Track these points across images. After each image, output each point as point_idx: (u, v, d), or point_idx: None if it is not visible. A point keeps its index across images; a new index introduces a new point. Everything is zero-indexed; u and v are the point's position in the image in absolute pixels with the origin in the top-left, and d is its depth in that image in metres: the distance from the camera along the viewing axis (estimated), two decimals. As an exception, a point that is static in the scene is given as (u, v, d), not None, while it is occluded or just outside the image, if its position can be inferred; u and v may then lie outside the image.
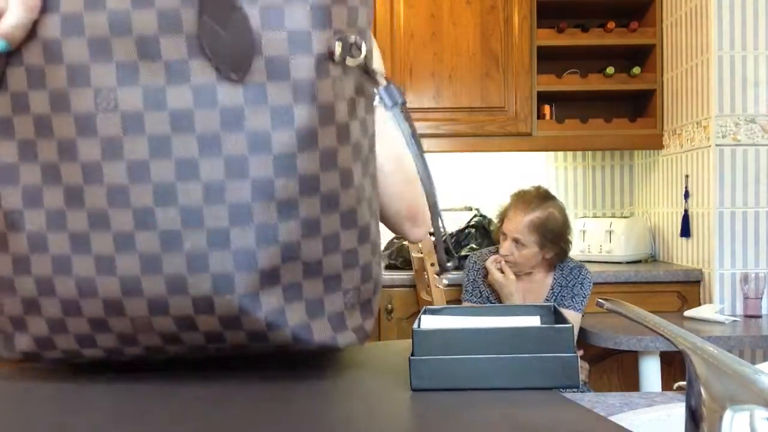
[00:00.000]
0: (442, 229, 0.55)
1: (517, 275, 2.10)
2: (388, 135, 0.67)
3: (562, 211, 2.10)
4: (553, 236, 2.04)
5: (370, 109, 0.56)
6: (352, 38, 0.49)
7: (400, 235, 0.81)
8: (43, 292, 0.50)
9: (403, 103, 0.52)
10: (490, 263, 2.08)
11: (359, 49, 0.49)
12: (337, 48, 0.48)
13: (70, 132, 0.47)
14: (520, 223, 2.04)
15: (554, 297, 2.12)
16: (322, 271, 0.53)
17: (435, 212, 0.55)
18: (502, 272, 2.08)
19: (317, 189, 0.50)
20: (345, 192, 0.52)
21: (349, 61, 0.49)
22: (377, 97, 0.54)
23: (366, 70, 0.52)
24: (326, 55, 0.48)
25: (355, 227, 0.54)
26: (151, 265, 0.48)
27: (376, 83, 0.52)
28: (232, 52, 0.46)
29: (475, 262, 2.23)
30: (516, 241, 2.06)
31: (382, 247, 2.75)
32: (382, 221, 0.78)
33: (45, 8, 0.46)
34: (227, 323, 0.51)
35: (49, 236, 0.49)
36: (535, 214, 2.04)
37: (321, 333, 0.54)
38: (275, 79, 0.46)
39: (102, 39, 0.46)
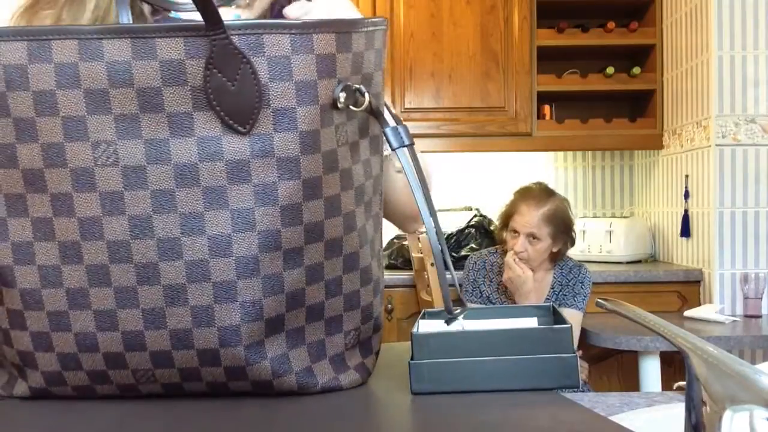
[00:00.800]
0: (449, 276, 0.54)
1: None
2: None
3: (566, 202, 2.15)
4: (565, 227, 2.09)
5: (376, 149, 0.55)
6: (357, 85, 0.49)
7: (399, 228, 0.86)
8: (39, 347, 0.49)
9: (411, 144, 0.51)
10: (511, 259, 2.06)
11: (363, 95, 0.49)
12: (341, 96, 0.48)
13: (65, 186, 0.45)
14: (535, 217, 2.07)
15: (555, 295, 2.13)
16: (324, 314, 0.53)
17: (440, 264, 0.53)
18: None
19: (321, 236, 0.50)
20: (348, 236, 0.52)
21: (354, 107, 0.49)
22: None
23: (372, 112, 0.51)
24: (331, 103, 0.48)
25: (356, 270, 0.54)
26: (154, 319, 0.48)
27: (382, 124, 0.52)
28: (240, 104, 0.45)
29: (475, 262, 2.23)
30: (531, 236, 2.07)
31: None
32: (386, 217, 0.81)
33: (34, 58, 0.43)
34: (232, 373, 0.50)
35: (44, 292, 0.47)
36: (547, 207, 2.08)
37: (324, 375, 0.54)
38: (282, 130, 0.46)
39: (100, 91, 0.44)
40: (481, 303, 2.21)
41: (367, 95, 0.49)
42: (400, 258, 2.67)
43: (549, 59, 2.85)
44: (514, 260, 2.07)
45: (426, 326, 0.60)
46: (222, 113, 0.45)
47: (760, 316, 2.34)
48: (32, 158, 0.45)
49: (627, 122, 2.82)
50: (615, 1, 2.81)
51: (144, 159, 0.45)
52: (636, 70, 2.79)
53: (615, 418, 0.56)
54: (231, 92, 0.44)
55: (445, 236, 2.71)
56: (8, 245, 0.47)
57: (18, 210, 0.47)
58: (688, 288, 2.54)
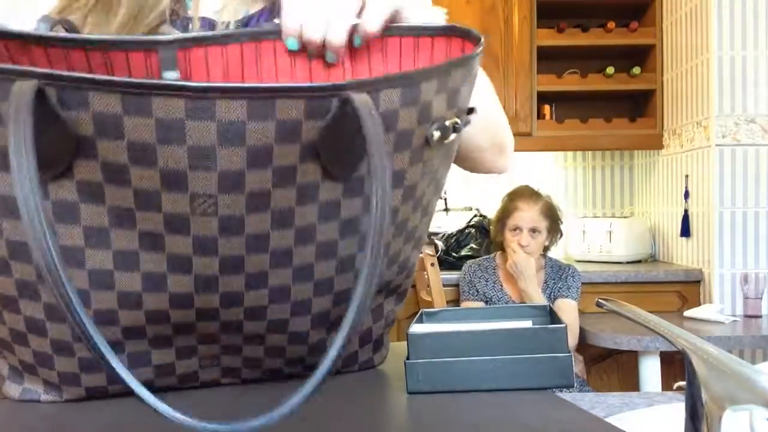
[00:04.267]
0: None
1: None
2: None
3: (551, 199, 2.36)
4: (557, 219, 2.30)
5: (448, 160, 0.56)
6: (452, 120, 0.49)
7: (486, 172, 0.79)
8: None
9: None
10: (516, 245, 2.22)
11: (456, 130, 0.49)
12: (435, 135, 0.48)
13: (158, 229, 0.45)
14: (536, 212, 2.24)
15: (549, 289, 2.24)
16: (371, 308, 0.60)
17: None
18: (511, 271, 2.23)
19: (388, 252, 0.53)
20: (406, 247, 0.56)
21: (444, 140, 0.49)
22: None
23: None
24: (423, 143, 0.48)
25: (407, 269, 0.59)
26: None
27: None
28: (346, 156, 0.45)
29: (470, 265, 2.37)
30: (532, 230, 2.23)
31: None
32: (464, 163, 0.76)
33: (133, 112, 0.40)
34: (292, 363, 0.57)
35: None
36: (542, 202, 2.27)
37: (364, 355, 0.61)
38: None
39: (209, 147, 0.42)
40: (478, 301, 2.30)
41: (461, 128, 0.49)
42: (399, 258, 2.67)
43: (549, 59, 2.85)
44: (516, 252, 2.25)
45: (422, 326, 0.61)
46: (328, 165, 0.45)
47: (760, 316, 2.34)
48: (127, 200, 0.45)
49: (627, 122, 2.82)
50: (615, 1, 2.81)
51: (244, 209, 0.45)
52: (636, 70, 2.79)
53: (615, 418, 0.56)
54: (339, 149, 0.44)
55: (445, 236, 2.71)
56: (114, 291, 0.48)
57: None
58: (688, 288, 2.54)
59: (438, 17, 0.64)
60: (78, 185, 0.43)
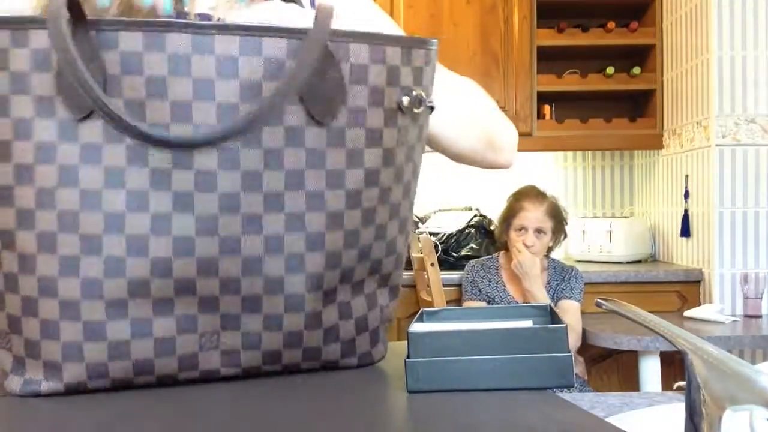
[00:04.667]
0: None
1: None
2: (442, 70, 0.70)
3: (556, 199, 2.35)
4: (562, 220, 2.30)
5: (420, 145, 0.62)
6: (418, 92, 0.56)
7: (490, 168, 0.83)
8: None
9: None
10: (521, 245, 2.22)
11: (423, 103, 0.56)
12: (405, 100, 0.55)
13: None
14: (541, 212, 2.24)
15: (551, 291, 2.24)
16: (364, 289, 0.61)
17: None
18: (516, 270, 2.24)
19: (373, 221, 0.57)
20: (390, 222, 0.60)
21: (416, 111, 0.56)
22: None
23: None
24: (396, 107, 0.55)
25: (394, 253, 0.62)
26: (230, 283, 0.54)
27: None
28: (325, 101, 0.52)
29: (473, 265, 2.37)
30: (538, 230, 2.23)
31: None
32: (464, 160, 0.79)
33: (149, 47, 0.50)
34: (290, 339, 0.57)
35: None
36: (547, 203, 2.27)
37: (361, 348, 0.61)
38: (353, 126, 0.54)
39: (208, 79, 0.51)
40: (480, 300, 2.31)
41: (426, 102, 0.57)
42: (400, 258, 2.67)
43: (549, 59, 2.85)
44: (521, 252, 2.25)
45: (423, 325, 0.61)
46: (308, 108, 0.52)
47: (760, 316, 2.34)
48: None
49: (627, 122, 2.82)
50: (615, 1, 2.81)
51: (240, 144, 0.52)
52: (636, 70, 2.79)
53: (615, 418, 0.56)
54: (319, 92, 0.52)
55: (445, 236, 2.71)
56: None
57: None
58: (688, 288, 2.54)
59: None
60: (104, 126, 0.49)
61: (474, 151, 0.77)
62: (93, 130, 0.49)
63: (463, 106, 0.75)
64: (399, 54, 0.55)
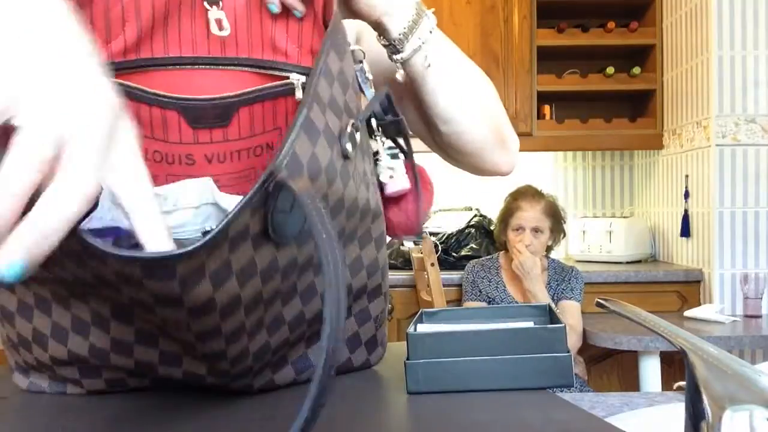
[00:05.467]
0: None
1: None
2: (446, 49, 0.67)
3: (554, 198, 2.36)
4: (560, 218, 2.30)
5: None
6: (351, 128, 0.49)
7: (491, 172, 0.78)
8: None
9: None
10: (521, 245, 2.22)
11: (356, 134, 0.49)
12: (349, 147, 0.48)
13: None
14: (538, 211, 2.25)
15: (552, 291, 2.24)
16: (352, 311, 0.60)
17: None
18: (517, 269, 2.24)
19: (345, 261, 0.54)
20: (366, 250, 0.56)
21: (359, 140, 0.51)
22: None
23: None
24: (343, 157, 0.48)
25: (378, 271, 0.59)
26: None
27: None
28: (297, 234, 0.45)
29: (473, 265, 2.37)
30: (535, 229, 2.24)
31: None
32: (469, 158, 0.75)
33: None
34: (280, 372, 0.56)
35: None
36: (544, 202, 2.28)
37: (358, 358, 0.61)
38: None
39: None
40: (480, 301, 2.31)
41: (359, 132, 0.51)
42: (400, 258, 2.67)
43: (549, 59, 2.85)
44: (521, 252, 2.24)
45: (422, 326, 0.60)
46: (278, 242, 0.45)
47: (760, 316, 2.34)
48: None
49: (627, 122, 2.82)
50: (615, 1, 2.81)
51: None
52: (636, 70, 2.79)
53: (615, 418, 0.56)
54: (288, 230, 0.44)
55: (445, 236, 2.71)
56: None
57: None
58: (688, 288, 2.54)
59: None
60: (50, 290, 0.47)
61: (485, 141, 0.73)
62: None
63: (478, 91, 0.71)
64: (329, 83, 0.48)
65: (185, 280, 0.38)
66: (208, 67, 0.50)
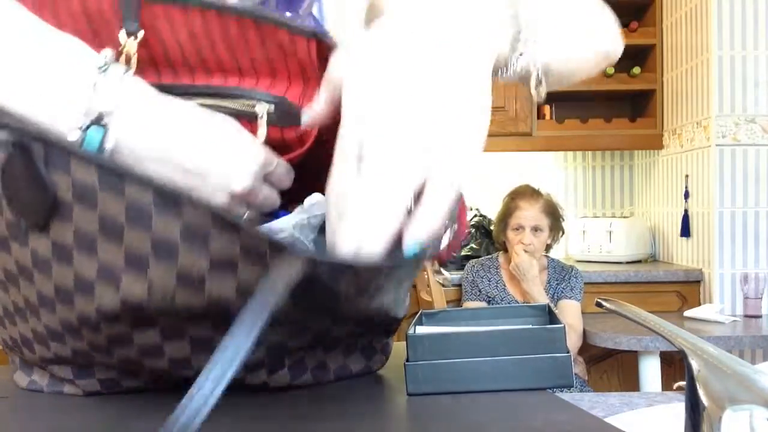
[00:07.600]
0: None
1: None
2: None
3: (552, 197, 2.38)
4: (558, 216, 2.31)
5: None
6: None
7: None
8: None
9: None
10: (520, 247, 2.23)
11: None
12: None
13: None
14: (537, 210, 2.26)
15: (551, 291, 2.24)
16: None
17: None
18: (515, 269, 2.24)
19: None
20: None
21: None
22: None
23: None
24: None
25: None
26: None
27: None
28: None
29: (473, 265, 2.37)
30: (535, 228, 2.25)
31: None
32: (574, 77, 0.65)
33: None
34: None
35: None
36: (543, 201, 2.29)
37: (356, 365, 0.59)
38: None
39: None
40: (480, 301, 2.32)
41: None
42: (399, 258, 2.67)
43: (549, 59, 2.85)
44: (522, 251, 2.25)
45: (421, 328, 0.60)
46: None
47: (760, 316, 2.34)
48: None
49: (627, 122, 2.82)
50: (615, 1, 2.80)
51: None
52: (636, 70, 2.79)
53: (615, 418, 0.56)
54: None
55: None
56: None
57: None
58: (688, 288, 2.54)
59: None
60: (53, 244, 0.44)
61: (591, 69, 0.65)
62: None
63: (583, 28, 0.61)
64: None
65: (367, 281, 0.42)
66: None
